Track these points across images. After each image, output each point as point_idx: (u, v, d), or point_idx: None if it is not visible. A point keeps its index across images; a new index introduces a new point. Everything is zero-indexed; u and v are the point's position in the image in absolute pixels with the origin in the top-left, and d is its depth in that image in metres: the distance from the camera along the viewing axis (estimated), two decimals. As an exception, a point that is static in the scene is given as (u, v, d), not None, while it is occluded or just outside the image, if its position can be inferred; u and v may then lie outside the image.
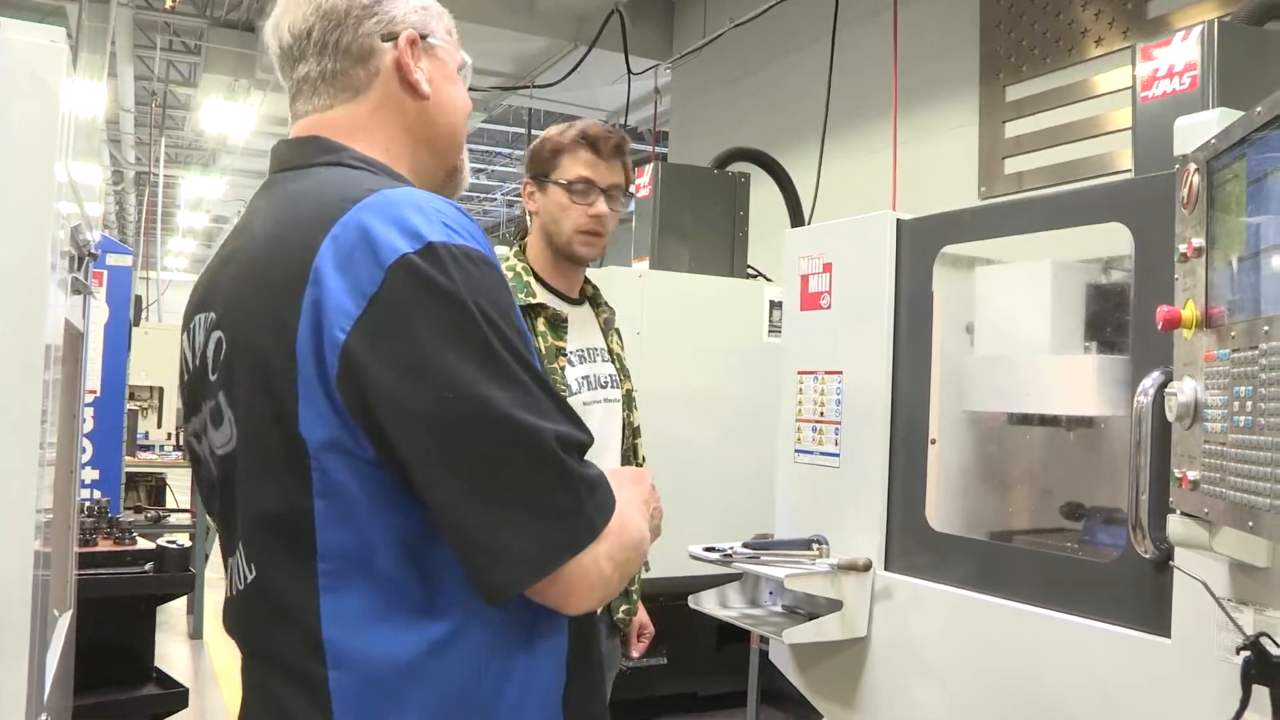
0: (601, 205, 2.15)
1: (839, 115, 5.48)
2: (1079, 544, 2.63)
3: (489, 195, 17.43)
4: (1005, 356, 2.82)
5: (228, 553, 1.20)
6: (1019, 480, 2.86)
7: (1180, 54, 2.43)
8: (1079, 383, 2.68)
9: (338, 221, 1.06)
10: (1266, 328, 1.46)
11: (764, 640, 3.85)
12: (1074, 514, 2.84)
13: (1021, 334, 2.90)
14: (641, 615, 2.34)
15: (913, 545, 2.57)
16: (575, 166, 2.15)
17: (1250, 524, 1.48)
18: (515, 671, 1.12)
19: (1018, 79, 4.97)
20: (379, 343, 1.02)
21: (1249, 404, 1.51)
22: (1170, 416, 1.77)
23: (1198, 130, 1.86)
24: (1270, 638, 1.75)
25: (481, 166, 14.97)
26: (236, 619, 1.19)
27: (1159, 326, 1.77)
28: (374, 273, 1.03)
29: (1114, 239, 2.78)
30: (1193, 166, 1.74)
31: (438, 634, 1.07)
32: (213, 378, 1.16)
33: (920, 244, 2.64)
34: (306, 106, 1.26)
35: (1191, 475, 1.70)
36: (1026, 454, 2.87)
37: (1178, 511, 1.79)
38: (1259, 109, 1.51)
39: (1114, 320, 2.89)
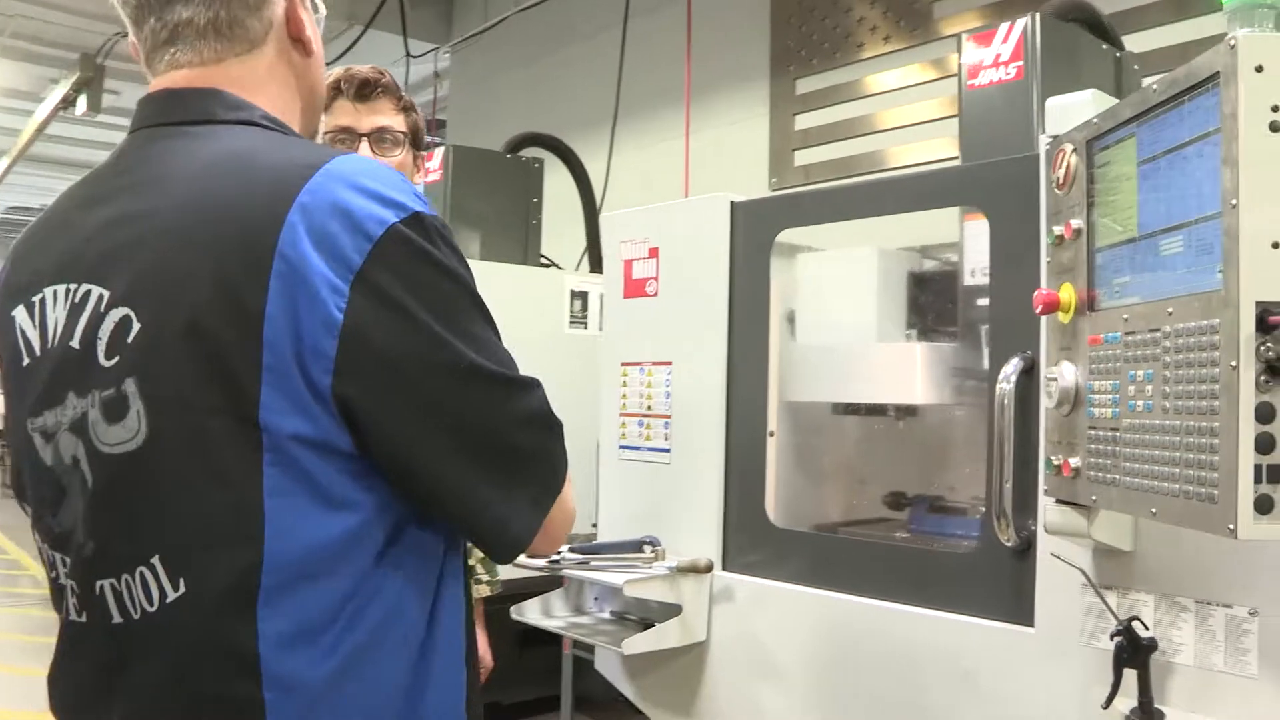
0: (364, 150, 1.94)
1: (630, 104, 5.37)
2: (914, 532, 2.60)
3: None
4: (834, 345, 2.77)
5: (101, 574, 1.01)
6: (855, 471, 2.82)
7: (1007, 45, 2.44)
8: (909, 371, 2.64)
9: (302, 190, 0.97)
10: (1171, 310, 1.42)
11: (577, 645, 3.68)
12: (900, 504, 2.82)
13: (846, 322, 2.86)
14: (479, 644, 2.11)
15: (753, 543, 2.47)
16: (334, 119, 1.96)
17: (1154, 510, 1.44)
18: (439, 666, 1.09)
19: (808, 72, 5.02)
20: (382, 317, 0.96)
21: (1148, 388, 1.46)
22: (1048, 403, 1.72)
23: (1071, 111, 1.83)
24: (1141, 621, 1.74)
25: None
26: (129, 649, 1.01)
27: (1037, 310, 1.72)
28: (360, 243, 0.96)
29: (933, 226, 2.78)
30: (1069, 147, 1.69)
31: (373, 636, 1.01)
32: (107, 363, 1.00)
33: (756, 227, 2.54)
34: (188, 56, 1.10)
35: (1074, 463, 1.66)
36: (862, 444, 2.84)
37: (1054, 500, 1.75)
38: (1153, 86, 1.46)
39: (935, 307, 2.90)
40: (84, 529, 1.02)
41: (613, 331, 2.89)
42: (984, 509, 2.56)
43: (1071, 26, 2.58)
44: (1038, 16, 2.43)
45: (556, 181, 4.86)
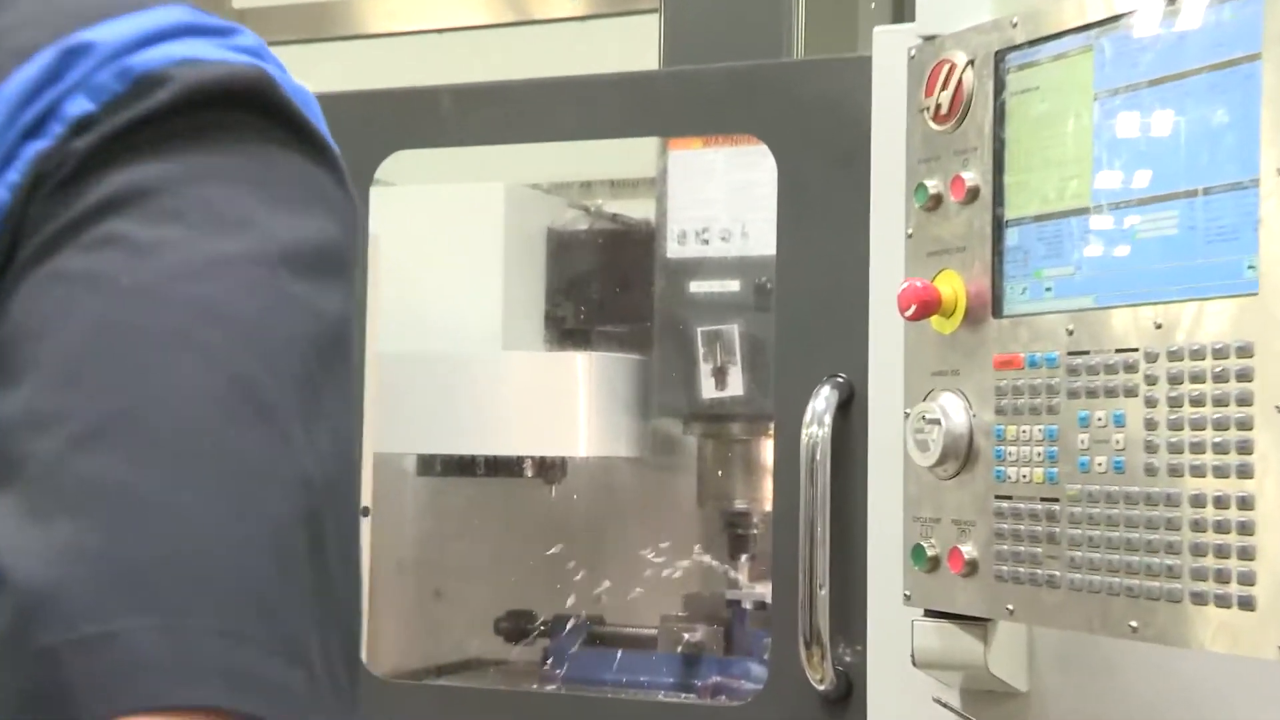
0: None
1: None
2: (565, 680, 2.73)
3: None
4: (438, 354, 2.82)
5: None
6: (481, 578, 2.92)
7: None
8: (569, 401, 2.76)
9: (100, 22, 0.94)
10: (1159, 321, 1.63)
11: None
12: (522, 630, 2.92)
13: (451, 312, 2.89)
14: None
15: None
16: None
17: (1133, 625, 1.65)
18: None
19: None
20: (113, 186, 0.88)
21: (1118, 437, 1.67)
22: (920, 458, 1.90)
23: (962, 4, 2.01)
24: (1045, 798, 1.97)
25: None
26: None
27: (906, 314, 1.89)
28: (113, 85, 0.91)
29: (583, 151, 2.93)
30: (962, 57, 1.89)
31: None
32: None
33: (349, 145, 2.53)
34: None
35: (967, 551, 1.85)
36: (485, 524, 2.94)
37: (923, 612, 1.93)
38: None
39: (597, 290, 3.01)
40: None
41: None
42: (670, 636, 2.76)
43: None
44: None
45: None
